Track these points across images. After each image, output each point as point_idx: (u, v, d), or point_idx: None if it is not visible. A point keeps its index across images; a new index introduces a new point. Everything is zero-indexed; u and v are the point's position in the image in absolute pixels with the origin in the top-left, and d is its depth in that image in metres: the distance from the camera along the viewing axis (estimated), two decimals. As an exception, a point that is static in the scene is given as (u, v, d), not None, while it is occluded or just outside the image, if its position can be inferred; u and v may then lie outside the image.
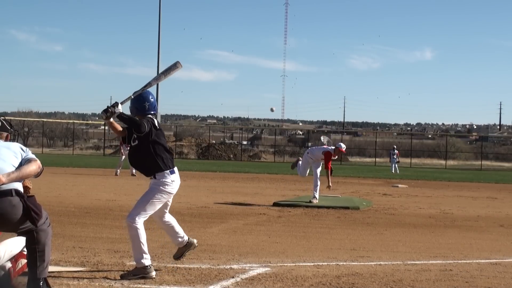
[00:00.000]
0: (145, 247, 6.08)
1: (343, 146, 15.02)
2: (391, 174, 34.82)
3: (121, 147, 25.67)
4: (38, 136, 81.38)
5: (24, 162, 5.12)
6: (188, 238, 6.60)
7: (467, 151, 74.54)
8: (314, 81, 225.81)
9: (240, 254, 7.64)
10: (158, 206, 6.33)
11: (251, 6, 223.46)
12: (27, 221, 4.97)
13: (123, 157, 25.02)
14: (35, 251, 5.05)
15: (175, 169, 6.38)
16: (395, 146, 42.82)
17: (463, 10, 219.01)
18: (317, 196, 14.29)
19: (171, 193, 6.36)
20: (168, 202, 6.48)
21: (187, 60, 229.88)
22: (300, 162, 15.26)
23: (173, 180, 6.31)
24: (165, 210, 6.49)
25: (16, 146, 5.21)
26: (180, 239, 6.54)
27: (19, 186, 5.01)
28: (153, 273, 6.07)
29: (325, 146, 14.85)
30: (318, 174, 14.55)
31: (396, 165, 39.09)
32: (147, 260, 6.06)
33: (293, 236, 9.46)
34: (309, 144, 71.43)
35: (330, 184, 14.73)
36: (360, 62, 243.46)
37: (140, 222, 6.17)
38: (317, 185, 14.39)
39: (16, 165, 5.05)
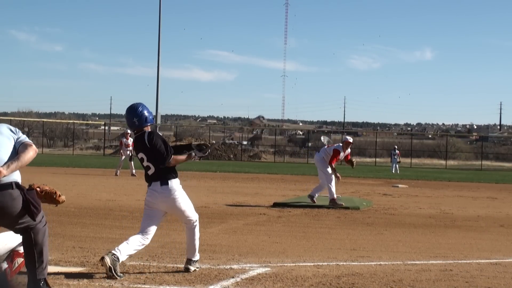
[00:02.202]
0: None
1: (349, 138, 14.78)
2: (391, 174, 34.83)
3: (121, 147, 25.65)
4: (38, 136, 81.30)
5: (19, 146, 4.95)
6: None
7: (467, 151, 74.51)
8: (314, 81, 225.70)
9: (240, 254, 7.64)
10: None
11: (251, 6, 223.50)
12: (26, 216, 4.91)
13: (123, 157, 25.01)
14: (33, 253, 5.01)
15: (150, 186, 6.45)
16: (396, 147, 42.79)
17: (463, 10, 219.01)
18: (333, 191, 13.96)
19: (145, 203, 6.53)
20: (172, 213, 6.57)
21: (187, 60, 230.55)
22: (318, 189, 14.29)
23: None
24: (182, 220, 6.57)
25: (6, 129, 5.02)
26: (188, 251, 6.57)
27: (18, 178, 4.92)
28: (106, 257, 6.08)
29: (335, 145, 14.64)
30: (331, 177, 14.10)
31: (397, 165, 39.12)
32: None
33: (293, 236, 9.45)
34: (309, 144, 71.48)
35: (338, 175, 14.24)
36: (360, 62, 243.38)
37: None
38: (332, 183, 14.02)
39: (11, 150, 4.91)
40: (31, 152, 4.93)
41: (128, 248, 6.23)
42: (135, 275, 6.19)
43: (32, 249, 5.01)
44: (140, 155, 6.45)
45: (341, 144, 14.50)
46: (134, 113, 6.45)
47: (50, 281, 5.60)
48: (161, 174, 6.37)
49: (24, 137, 5.03)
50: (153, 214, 6.47)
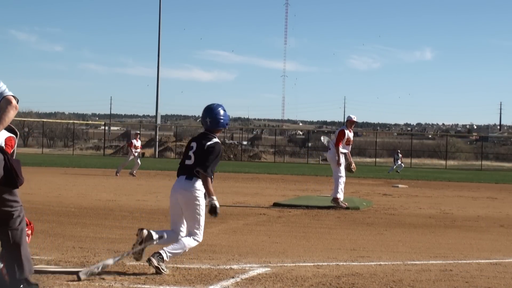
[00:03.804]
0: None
1: (353, 116, 14.08)
2: (390, 174, 34.81)
3: (131, 148, 25.45)
4: (38, 136, 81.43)
5: (0, 99, 4.81)
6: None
7: (467, 151, 74.59)
8: (314, 81, 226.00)
9: (240, 254, 7.64)
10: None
11: (251, 6, 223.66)
12: (11, 193, 4.80)
13: (131, 157, 24.85)
14: (12, 253, 4.93)
15: (176, 180, 6.49)
16: (399, 150, 42.64)
17: (463, 10, 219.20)
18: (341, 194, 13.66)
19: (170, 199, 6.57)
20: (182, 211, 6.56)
21: (187, 60, 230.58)
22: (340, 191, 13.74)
23: None
24: (187, 227, 6.55)
25: None
26: (166, 246, 6.49)
27: (2, 142, 4.85)
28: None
29: (339, 128, 14.27)
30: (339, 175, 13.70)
31: (402, 164, 39.15)
32: None
33: (293, 236, 9.45)
34: (309, 144, 71.49)
35: (354, 165, 13.88)
36: (360, 62, 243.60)
37: None
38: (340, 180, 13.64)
39: None
40: (11, 112, 4.81)
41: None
42: (135, 275, 6.19)
43: (11, 249, 4.93)
44: (193, 144, 6.49)
45: (344, 127, 14.01)
46: (210, 113, 6.53)
47: (50, 281, 5.62)
48: (194, 170, 6.37)
49: (3, 88, 4.88)
50: (175, 209, 6.50)
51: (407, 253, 8.19)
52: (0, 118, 4.75)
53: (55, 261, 6.73)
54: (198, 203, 6.39)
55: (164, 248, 6.32)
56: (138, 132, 28.42)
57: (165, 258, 6.25)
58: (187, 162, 6.43)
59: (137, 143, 25.21)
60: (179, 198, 6.41)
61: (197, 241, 6.44)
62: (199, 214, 6.41)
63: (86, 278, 5.83)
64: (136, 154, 24.85)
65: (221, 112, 6.51)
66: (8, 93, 4.86)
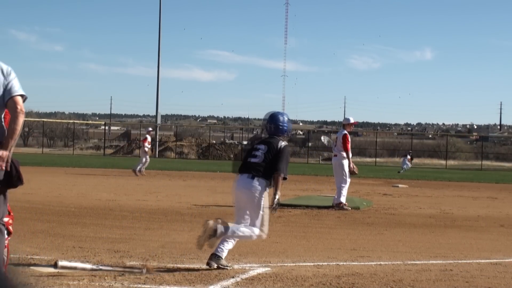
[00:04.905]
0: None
1: (351, 118, 13.99)
2: (390, 174, 34.78)
3: (144, 144, 25.32)
4: (38, 136, 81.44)
5: (8, 98, 4.64)
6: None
7: (468, 151, 74.50)
8: (314, 81, 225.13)
9: (240, 254, 7.64)
10: None
11: (251, 6, 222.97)
12: (3, 197, 4.77)
13: (145, 151, 24.78)
14: None
15: (237, 176, 6.78)
16: (410, 151, 42.41)
17: (463, 10, 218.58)
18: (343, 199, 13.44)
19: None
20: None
21: (187, 60, 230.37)
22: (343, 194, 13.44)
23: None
24: (250, 221, 6.78)
25: None
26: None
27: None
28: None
29: (339, 133, 14.17)
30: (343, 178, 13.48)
31: (405, 166, 39.14)
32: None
33: (293, 236, 9.45)
34: (309, 144, 71.49)
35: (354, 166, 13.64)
36: (360, 62, 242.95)
37: None
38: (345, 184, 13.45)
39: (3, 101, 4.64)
40: (20, 119, 4.66)
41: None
42: (135, 275, 6.19)
43: None
44: (262, 146, 6.76)
45: (343, 131, 13.83)
46: (272, 120, 6.98)
47: (50, 281, 5.61)
48: (258, 168, 6.65)
49: (13, 84, 4.72)
50: (239, 206, 6.76)
51: (407, 253, 8.19)
52: (11, 130, 4.62)
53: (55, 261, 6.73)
54: (260, 201, 6.69)
55: (226, 240, 6.57)
56: (151, 129, 28.52)
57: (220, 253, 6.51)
58: (253, 160, 6.71)
59: (149, 139, 25.56)
60: (242, 196, 6.70)
61: (262, 235, 6.72)
62: (262, 211, 6.71)
63: (60, 269, 5.93)
64: (147, 150, 24.91)
65: (283, 119, 6.97)
66: (17, 92, 4.70)
